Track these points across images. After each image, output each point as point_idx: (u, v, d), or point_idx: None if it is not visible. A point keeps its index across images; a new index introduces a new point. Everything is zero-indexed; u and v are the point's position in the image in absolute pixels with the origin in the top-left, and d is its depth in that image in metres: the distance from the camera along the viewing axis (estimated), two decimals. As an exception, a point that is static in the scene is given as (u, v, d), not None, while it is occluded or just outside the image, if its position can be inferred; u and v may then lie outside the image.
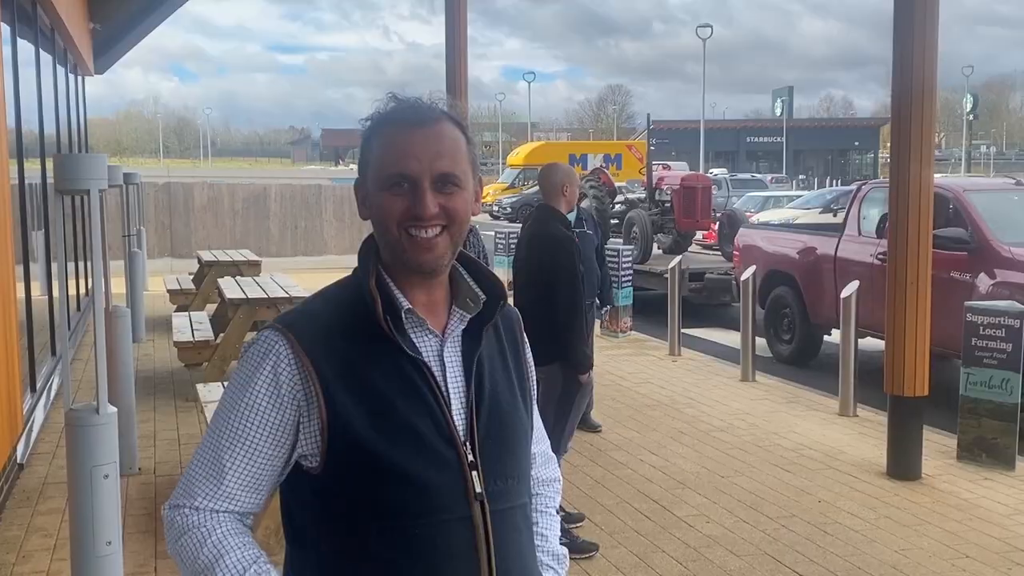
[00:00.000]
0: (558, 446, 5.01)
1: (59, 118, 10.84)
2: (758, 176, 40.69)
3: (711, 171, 46.22)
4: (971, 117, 69.51)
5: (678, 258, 11.63)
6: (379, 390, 1.52)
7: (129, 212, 10.63)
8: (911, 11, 5.86)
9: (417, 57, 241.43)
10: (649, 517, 5.46)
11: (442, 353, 1.59)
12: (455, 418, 1.55)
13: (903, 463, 6.14)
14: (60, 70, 11.24)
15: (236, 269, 11.38)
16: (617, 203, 15.76)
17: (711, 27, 47.55)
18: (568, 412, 5.02)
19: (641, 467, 6.40)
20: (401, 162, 1.54)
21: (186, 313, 10.25)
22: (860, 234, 9.52)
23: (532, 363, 1.76)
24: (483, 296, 1.63)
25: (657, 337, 11.19)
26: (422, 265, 1.56)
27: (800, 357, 10.24)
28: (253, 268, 11.59)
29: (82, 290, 11.96)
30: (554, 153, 46.02)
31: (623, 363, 9.91)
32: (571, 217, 5.93)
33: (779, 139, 72.28)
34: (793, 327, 10.29)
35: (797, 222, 18.22)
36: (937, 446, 6.75)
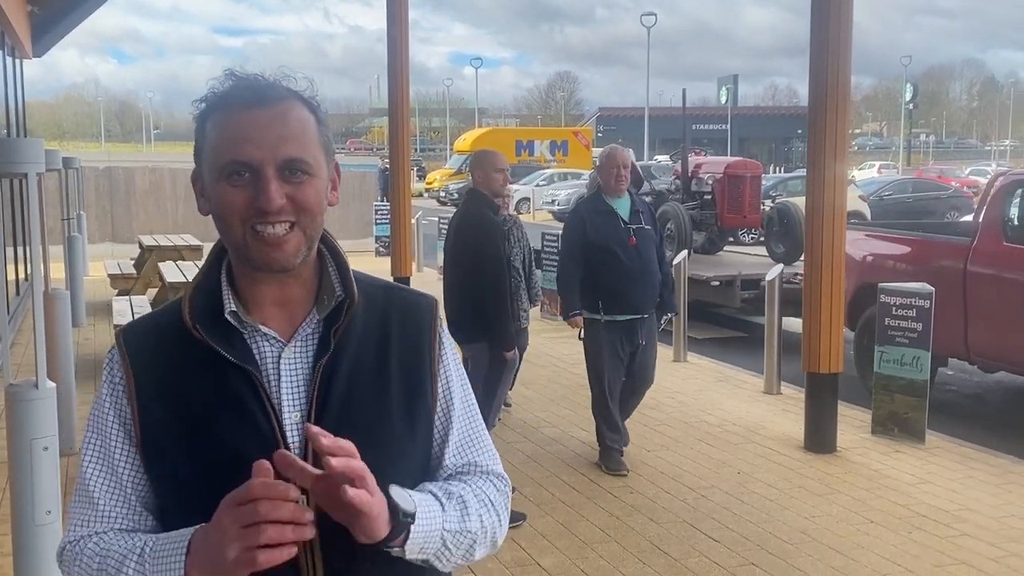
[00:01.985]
0: (487, 419, 5.23)
1: (-4, 101, 10.77)
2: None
3: (656, 158, 46.74)
4: (911, 106, 70.84)
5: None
6: (199, 404, 1.37)
7: (69, 197, 10.63)
8: (827, 12, 6.16)
9: (360, 41, 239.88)
10: (576, 489, 5.71)
11: (280, 360, 1.41)
12: (288, 432, 1.38)
13: (819, 436, 6.47)
14: (-3, 53, 11.17)
15: (178, 253, 11.41)
16: (643, 195, 14.76)
17: (655, 15, 47.95)
18: (496, 387, 5.25)
19: (571, 443, 6.65)
20: (239, 148, 1.34)
21: (127, 297, 10.28)
22: (1004, 240, 7.38)
23: (445, 366, 1.52)
24: (340, 294, 1.44)
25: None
26: (270, 264, 1.37)
27: None
28: (195, 253, 11.62)
29: (22, 275, 11.90)
30: (501, 139, 46.26)
31: (560, 345, 10.16)
32: (625, 208, 5.82)
33: (724, 127, 73.18)
34: None
35: (910, 222, 16.31)
36: (854, 421, 7.10)
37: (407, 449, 1.45)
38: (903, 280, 7.57)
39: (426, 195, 41.35)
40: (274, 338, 1.41)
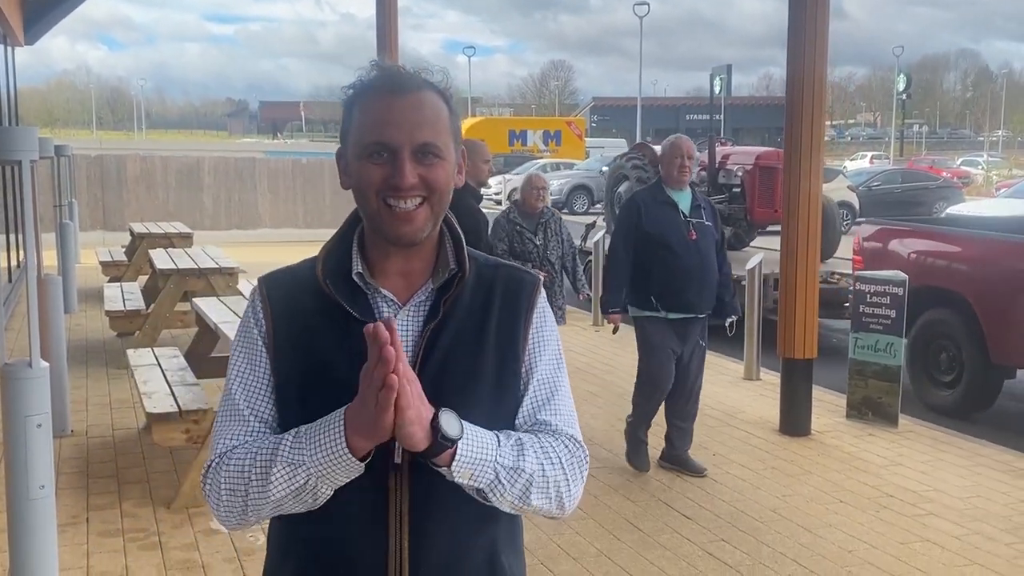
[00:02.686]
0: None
1: (-11, 89, 10.86)
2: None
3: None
4: (904, 96, 71.00)
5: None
6: (323, 350, 1.55)
7: (61, 184, 10.74)
8: (803, 12, 6.31)
9: (351, 28, 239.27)
10: (556, 470, 5.87)
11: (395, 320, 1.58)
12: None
13: (794, 420, 6.64)
14: (-11, 41, 11.25)
15: (168, 241, 11.54)
16: None
17: (648, 4, 47.98)
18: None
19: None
20: (380, 130, 1.52)
21: (118, 284, 10.42)
22: None
23: (538, 339, 1.65)
24: (453, 267, 1.62)
25: (584, 309, 11.61)
26: (400, 237, 1.55)
27: (966, 406, 7.42)
28: (185, 240, 11.75)
29: (14, 262, 12.01)
30: (493, 128, 46.31)
31: (561, 331, 10.30)
32: (686, 201, 5.53)
33: (718, 117, 73.31)
34: (957, 367, 7.44)
35: (972, 215, 14.37)
36: (829, 406, 7.28)
37: (495, 411, 1.59)
38: (964, 283, 7.12)
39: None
40: (392, 300, 1.59)
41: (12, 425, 3.70)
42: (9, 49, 14.08)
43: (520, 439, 1.57)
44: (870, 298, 6.94)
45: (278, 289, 1.63)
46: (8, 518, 3.89)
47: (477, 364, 1.59)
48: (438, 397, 1.50)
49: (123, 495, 5.36)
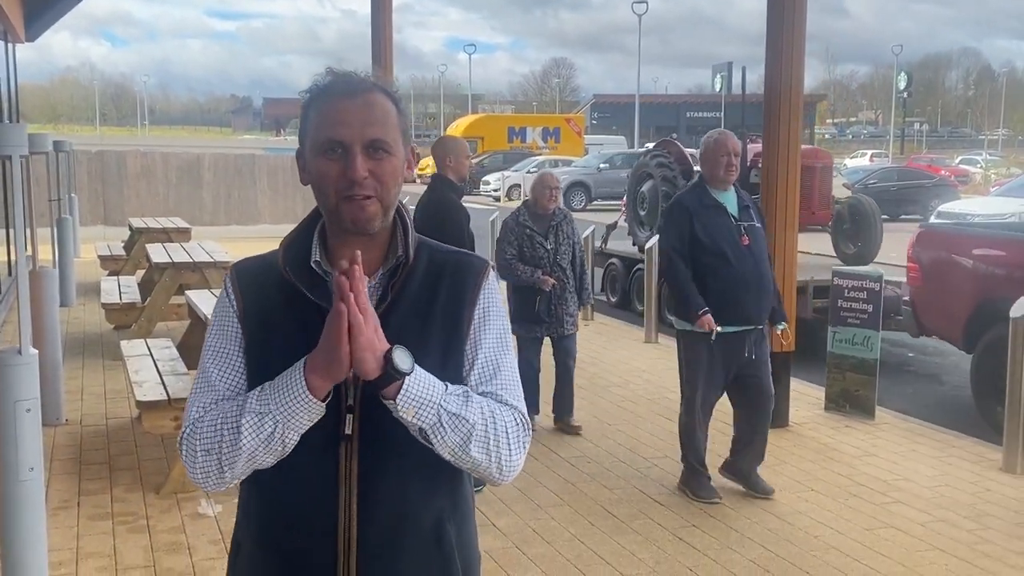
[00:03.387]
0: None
1: (-12, 86, 11.02)
2: (693, 151, 41.44)
3: (646, 145, 46.96)
4: (905, 95, 70.99)
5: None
6: (285, 335, 1.71)
7: (59, 179, 10.90)
8: (781, 20, 6.46)
9: (353, 25, 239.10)
10: (536, 458, 6.03)
11: None
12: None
13: (773, 411, 6.76)
14: (-11, 38, 11.40)
15: (166, 236, 11.70)
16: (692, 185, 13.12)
17: (646, 3, 48.07)
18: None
19: (538, 417, 6.96)
20: (334, 129, 1.68)
21: (116, 278, 10.58)
22: None
23: (483, 318, 1.78)
24: (401, 254, 1.76)
25: (574, 303, 11.75)
26: (355, 223, 1.70)
27: None
28: (183, 235, 11.91)
29: (13, 256, 12.15)
30: (493, 125, 46.49)
31: (537, 326, 10.47)
32: (732, 202, 5.14)
33: (718, 114, 73.34)
34: None
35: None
36: (809, 399, 7.42)
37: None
38: None
39: (419, 181, 41.55)
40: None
41: (3, 410, 3.85)
42: (10, 46, 14.24)
43: (467, 392, 1.70)
44: (847, 293, 7.09)
45: (247, 276, 1.80)
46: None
47: (424, 345, 1.71)
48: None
49: (114, 481, 5.52)
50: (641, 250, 11.50)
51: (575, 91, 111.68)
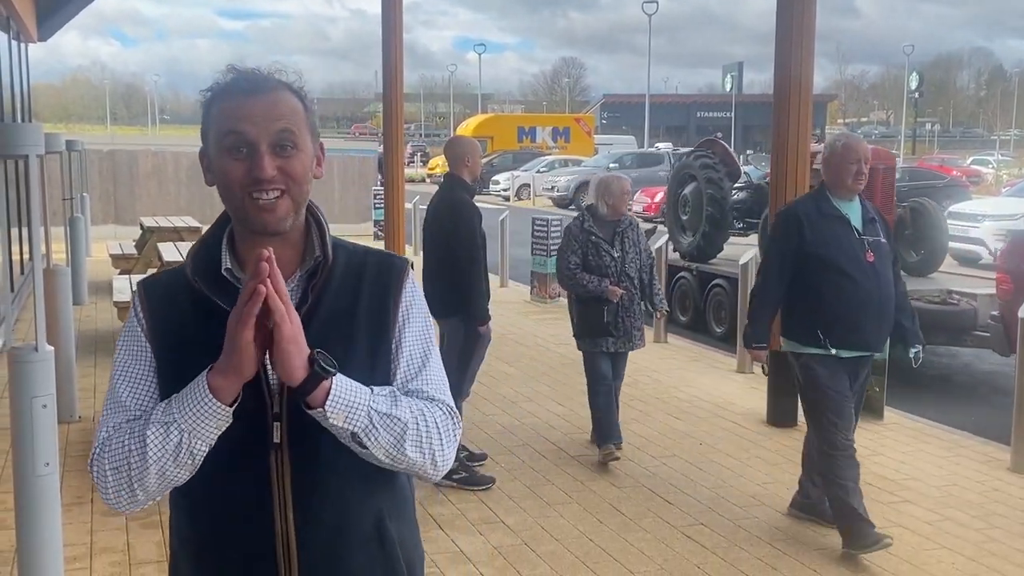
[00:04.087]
0: (460, 389, 5.58)
1: (2, 86, 11.10)
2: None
3: (656, 145, 46.97)
4: (917, 95, 70.74)
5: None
6: (197, 346, 1.62)
7: (72, 178, 10.98)
8: (790, 20, 6.49)
9: (361, 24, 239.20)
10: (545, 456, 6.06)
11: None
12: (271, 371, 1.61)
13: (780, 411, 6.81)
14: (3, 37, 11.49)
15: (177, 235, 11.75)
16: (737, 188, 11.67)
17: (657, 2, 48.04)
18: (469, 358, 5.59)
19: (546, 416, 7.00)
20: (239, 126, 1.61)
21: (127, 277, 10.63)
22: None
23: (408, 316, 1.75)
24: (319, 255, 1.70)
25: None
26: (265, 226, 1.63)
27: None
28: (194, 234, 11.95)
29: (26, 255, 12.25)
30: (502, 125, 46.54)
31: (547, 327, 10.51)
32: (857, 214, 4.64)
33: (729, 114, 73.26)
34: None
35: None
36: (818, 398, 7.43)
37: (369, 384, 1.65)
38: None
39: (428, 180, 41.68)
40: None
41: (19, 406, 3.91)
42: (23, 45, 14.34)
43: (394, 391, 1.67)
44: (857, 293, 7.09)
45: (154, 292, 1.73)
46: (15, 495, 4.10)
47: (348, 347, 1.67)
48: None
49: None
50: (683, 257, 11.25)
51: (585, 91, 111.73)
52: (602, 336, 5.93)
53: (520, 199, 34.00)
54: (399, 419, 1.63)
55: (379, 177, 23.14)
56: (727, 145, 11.85)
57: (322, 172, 1.76)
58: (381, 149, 16.36)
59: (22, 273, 11.82)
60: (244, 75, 1.67)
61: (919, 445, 6.47)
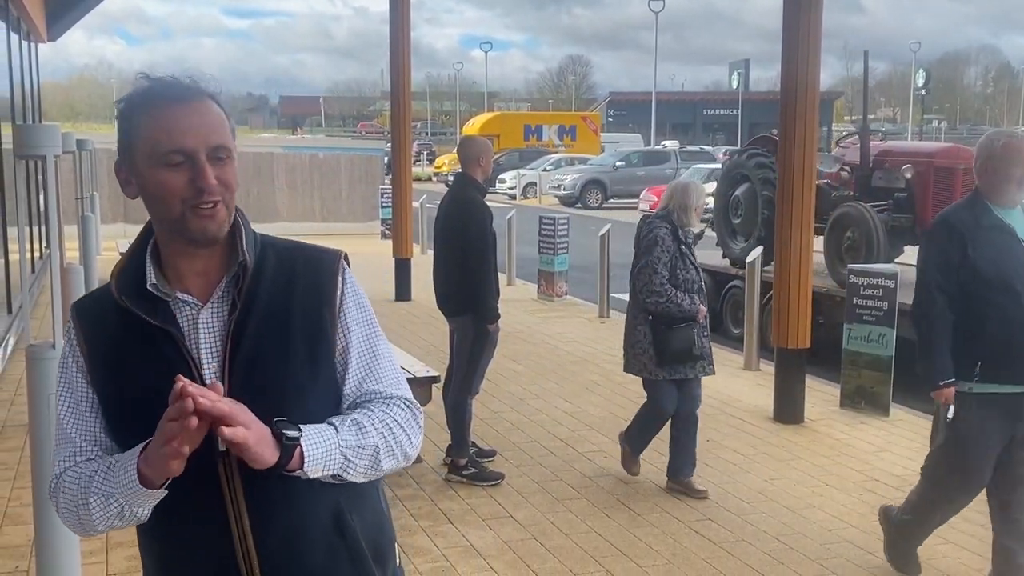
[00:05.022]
0: (471, 385, 5.64)
1: (13, 85, 11.19)
2: (707, 148, 41.48)
3: (663, 143, 46.95)
4: (924, 92, 70.60)
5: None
6: (130, 363, 1.64)
7: (82, 177, 11.05)
8: (797, 17, 6.53)
9: (365, 23, 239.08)
10: (553, 453, 6.12)
11: (197, 319, 1.66)
12: (207, 380, 1.62)
13: (787, 408, 6.86)
14: (14, 38, 11.57)
15: (187, 233, 11.83)
16: None
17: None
18: (479, 358, 5.64)
19: (554, 412, 7.05)
20: (176, 138, 1.59)
21: (138, 274, 10.72)
22: None
23: (347, 311, 1.75)
24: (242, 259, 1.68)
25: (590, 301, 11.84)
26: (205, 235, 1.62)
27: None
28: (204, 232, 12.03)
29: (37, 253, 12.35)
30: (509, 123, 46.56)
31: (554, 324, 10.56)
32: (1021, 224, 3.97)
33: (735, 112, 73.22)
34: None
35: None
36: (824, 396, 7.48)
37: (312, 387, 1.68)
38: None
39: (435, 179, 41.76)
40: (192, 302, 1.67)
41: (37, 402, 3.97)
42: (33, 45, 14.43)
43: (355, 419, 1.67)
44: (863, 290, 7.14)
45: (85, 313, 1.72)
46: (33, 490, 4.17)
47: (286, 346, 1.67)
48: (253, 384, 1.62)
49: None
50: (735, 264, 10.25)
51: (591, 88, 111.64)
52: (692, 361, 5.33)
53: (526, 197, 34.04)
54: (370, 444, 1.66)
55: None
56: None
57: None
58: (389, 148, 16.45)
59: (33, 271, 11.92)
60: (167, 84, 1.64)
61: (925, 442, 6.45)
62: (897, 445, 6.40)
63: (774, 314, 6.96)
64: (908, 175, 9.30)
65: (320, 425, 1.63)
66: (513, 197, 33.94)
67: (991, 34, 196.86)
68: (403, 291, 11.91)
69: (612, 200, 31.19)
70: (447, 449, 5.72)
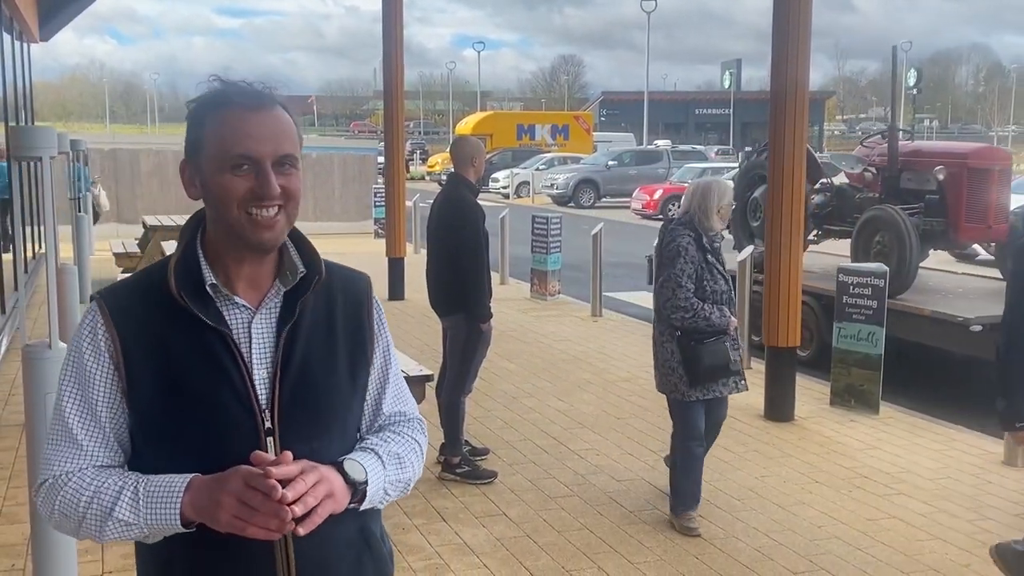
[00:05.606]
0: (464, 384, 5.68)
1: (5, 85, 11.18)
2: (699, 148, 41.59)
3: (655, 142, 47.04)
4: (915, 91, 70.75)
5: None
6: (179, 361, 1.58)
7: (75, 178, 11.06)
8: (787, 16, 6.58)
9: (356, 22, 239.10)
10: (546, 451, 6.17)
11: (251, 325, 1.65)
12: (258, 386, 1.62)
13: (777, 406, 6.91)
14: (6, 38, 11.57)
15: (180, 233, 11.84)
16: (816, 190, 9.93)
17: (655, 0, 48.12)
18: (472, 357, 5.68)
19: (547, 411, 7.10)
20: (244, 144, 1.59)
21: (131, 275, 10.73)
22: None
23: (381, 333, 1.80)
24: (303, 270, 1.69)
25: (583, 300, 11.89)
26: (262, 244, 1.62)
27: None
28: (197, 232, 12.05)
29: (30, 253, 12.34)
30: (501, 123, 46.61)
31: (547, 323, 10.61)
32: None
33: (727, 111, 73.35)
34: None
35: None
36: (815, 394, 7.54)
37: (350, 402, 1.74)
38: None
39: (428, 178, 41.77)
40: (244, 306, 1.66)
41: (33, 401, 4.01)
42: (25, 45, 14.42)
43: (398, 454, 1.75)
44: (852, 289, 7.20)
45: (119, 303, 1.65)
46: (29, 489, 4.21)
47: (333, 360, 1.71)
48: (300, 395, 1.64)
49: (136, 472, 5.67)
50: (754, 269, 9.44)
51: (583, 88, 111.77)
52: (725, 377, 4.91)
53: (519, 197, 34.07)
54: (405, 479, 1.76)
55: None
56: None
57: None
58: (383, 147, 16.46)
59: (26, 271, 11.92)
60: (240, 89, 1.64)
61: (914, 439, 6.57)
62: (886, 443, 6.46)
63: (765, 313, 7.01)
64: (940, 176, 8.87)
65: (367, 457, 1.70)
66: (506, 196, 33.98)
67: (982, 33, 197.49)
68: (396, 290, 11.98)
69: (605, 199, 31.24)
70: (440, 447, 5.76)
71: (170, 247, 9.86)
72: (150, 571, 1.73)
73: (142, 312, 1.63)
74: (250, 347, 1.64)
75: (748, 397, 7.47)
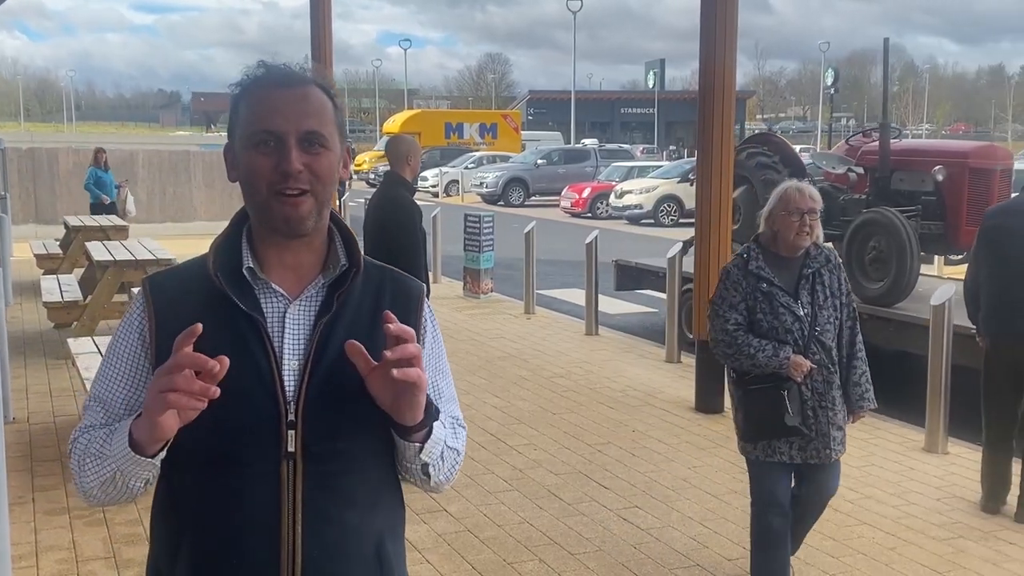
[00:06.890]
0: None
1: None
2: (625, 146, 42.08)
3: (583, 141, 47.40)
4: (833, 91, 72.44)
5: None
6: (210, 343, 1.51)
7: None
8: (714, 15, 6.74)
9: (276, 17, 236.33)
10: (484, 447, 6.22)
11: (285, 314, 1.63)
12: (286, 377, 1.60)
13: (707, 398, 7.07)
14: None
15: (103, 234, 11.59)
16: None
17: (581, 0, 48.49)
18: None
19: (484, 408, 7.15)
20: (267, 119, 1.58)
21: (54, 276, 10.49)
22: None
23: (434, 338, 1.79)
24: (344, 263, 1.67)
25: (515, 298, 11.96)
26: (288, 220, 1.59)
27: None
28: (120, 233, 11.83)
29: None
30: (429, 121, 46.46)
31: (481, 321, 10.66)
32: None
33: (652, 111, 74.24)
34: None
35: None
36: (744, 386, 7.72)
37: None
38: None
39: (355, 176, 41.46)
40: (282, 295, 1.64)
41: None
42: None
43: (453, 422, 1.74)
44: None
45: (162, 287, 1.68)
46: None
47: (372, 356, 1.62)
48: (329, 389, 1.60)
49: (67, 477, 5.56)
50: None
51: (510, 87, 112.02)
52: (782, 436, 3.90)
53: (449, 195, 34.06)
54: (457, 450, 1.72)
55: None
56: (785, 140, 9.90)
57: (348, 173, 1.77)
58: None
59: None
60: (276, 70, 1.64)
61: (839, 428, 6.77)
62: (813, 432, 6.65)
63: (695, 307, 7.16)
64: (939, 177, 8.28)
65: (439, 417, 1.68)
66: (436, 195, 33.93)
67: (895, 34, 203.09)
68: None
69: (534, 197, 31.41)
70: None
71: (96, 248, 9.67)
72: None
73: (181, 294, 1.65)
74: (282, 336, 1.62)
75: (679, 390, 7.65)
